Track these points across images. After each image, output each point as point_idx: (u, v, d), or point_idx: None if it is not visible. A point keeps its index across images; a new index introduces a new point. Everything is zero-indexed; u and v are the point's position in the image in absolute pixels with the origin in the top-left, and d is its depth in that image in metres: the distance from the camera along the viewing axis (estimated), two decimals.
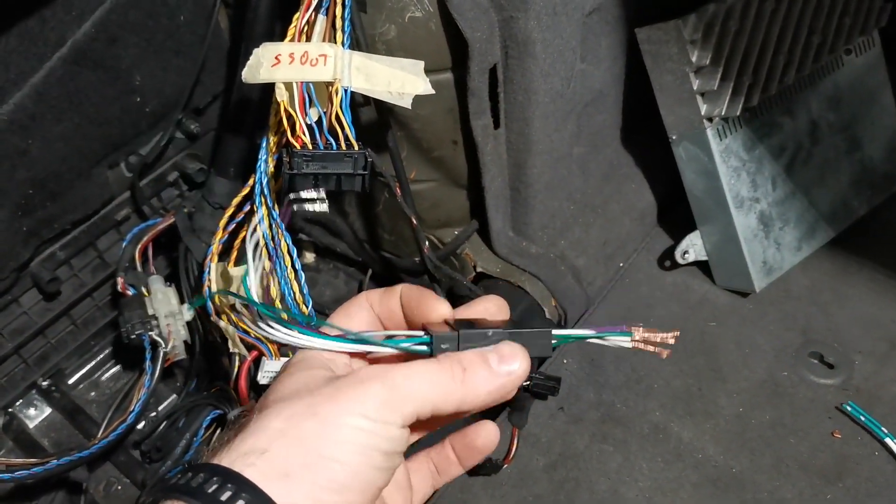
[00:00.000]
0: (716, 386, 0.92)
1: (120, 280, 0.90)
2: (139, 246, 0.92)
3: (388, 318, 0.50)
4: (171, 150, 0.99)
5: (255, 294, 0.80)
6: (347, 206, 1.10)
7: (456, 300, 0.97)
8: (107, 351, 1.05)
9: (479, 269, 1.02)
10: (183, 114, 0.96)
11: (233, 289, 0.81)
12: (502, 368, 0.44)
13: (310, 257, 1.20)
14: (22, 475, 0.74)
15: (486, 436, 0.52)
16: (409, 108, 0.73)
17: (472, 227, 1.02)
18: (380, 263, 1.09)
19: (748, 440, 0.86)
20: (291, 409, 0.40)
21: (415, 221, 0.87)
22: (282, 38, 0.71)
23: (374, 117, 0.89)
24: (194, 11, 0.90)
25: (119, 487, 0.91)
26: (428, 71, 0.72)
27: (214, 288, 0.82)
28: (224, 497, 0.36)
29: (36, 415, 0.99)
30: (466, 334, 0.45)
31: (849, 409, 0.87)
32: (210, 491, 0.36)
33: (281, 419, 0.39)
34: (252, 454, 0.38)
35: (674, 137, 0.94)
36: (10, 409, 0.98)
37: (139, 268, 0.92)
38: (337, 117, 0.72)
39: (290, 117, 0.72)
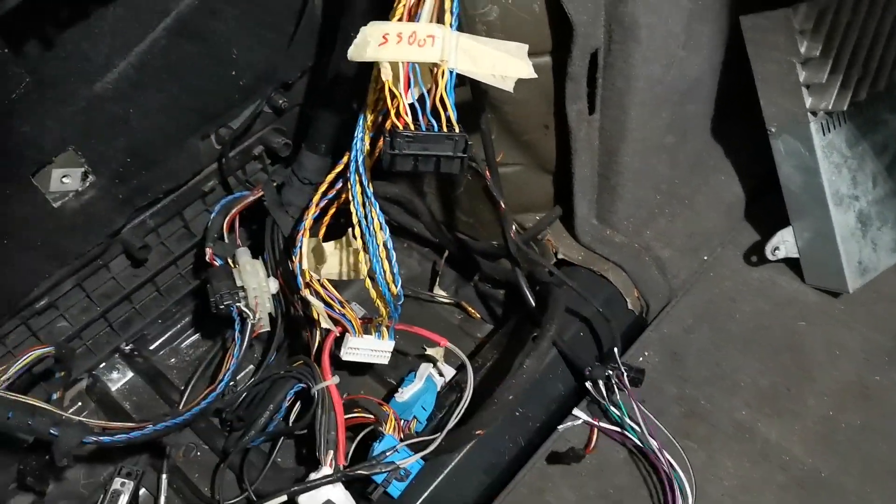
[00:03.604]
0: (804, 386, 0.89)
1: (209, 250, 0.90)
2: (228, 217, 0.92)
3: None
4: (258, 123, 0.99)
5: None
6: (426, 187, 1.09)
7: (536, 285, 0.96)
8: (187, 319, 1.06)
9: (560, 256, 1.01)
10: (272, 88, 0.96)
11: (324, 264, 0.82)
12: None
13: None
14: (121, 439, 0.75)
15: None
16: (511, 91, 0.72)
17: (555, 213, 1.01)
18: (455, 245, 1.08)
19: (837, 443, 0.84)
20: None
21: (503, 206, 0.86)
22: (382, 16, 0.70)
23: (468, 99, 0.88)
24: None
25: (198, 453, 0.93)
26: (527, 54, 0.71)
27: (305, 263, 0.82)
28: None
29: (118, 378, 1.01)
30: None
31: None
32: None
33: None
34: None
35: (773, 130, 0.91)
36: (94, 372, 1.00)
37: (226, 239, 0.93)
38: (441, 99, 0.71)
39: (392, 97, 0.71)
